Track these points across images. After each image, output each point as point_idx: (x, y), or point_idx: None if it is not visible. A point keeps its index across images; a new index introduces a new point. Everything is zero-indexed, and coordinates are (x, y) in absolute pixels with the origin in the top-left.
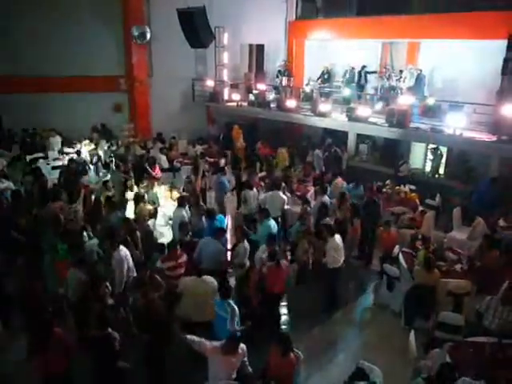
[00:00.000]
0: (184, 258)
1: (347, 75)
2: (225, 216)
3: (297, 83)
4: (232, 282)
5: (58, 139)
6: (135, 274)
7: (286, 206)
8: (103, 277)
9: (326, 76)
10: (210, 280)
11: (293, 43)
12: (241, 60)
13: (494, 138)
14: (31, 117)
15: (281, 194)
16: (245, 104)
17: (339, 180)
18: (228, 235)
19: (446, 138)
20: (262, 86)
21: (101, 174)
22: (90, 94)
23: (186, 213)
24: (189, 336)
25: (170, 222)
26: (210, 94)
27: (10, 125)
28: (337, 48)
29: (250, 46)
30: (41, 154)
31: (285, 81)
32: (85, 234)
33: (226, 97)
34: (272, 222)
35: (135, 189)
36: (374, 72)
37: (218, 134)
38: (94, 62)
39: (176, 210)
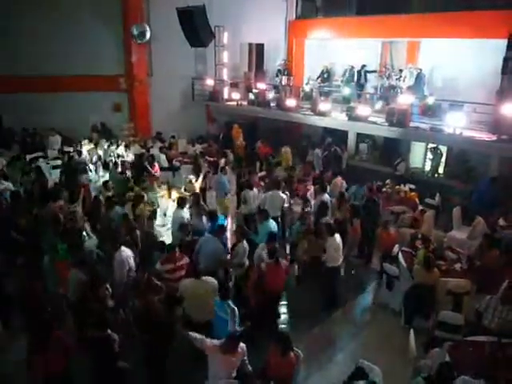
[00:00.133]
0: (184, 260)
1: (347, 74)
2: (226, 217)
3: (296, 82)
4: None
5: (57, 138)
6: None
7: (285, 205)
8: (103, 278)
9: (325, 75)
10: (210, 280)
11: (292, 42)
12: (240, 59)
13: (494, 138)
14: (31, 116)
15: (280, 193)
16: (244, 103)
17: (339, 179)
18: (228, 235)
19: (446, 137)
20: (261, 85)
21: (101, 173)
22: (89, 94)
23: (185, 213)
24: (191, 333)
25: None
26: (209, 93)
27: (9, 124)
28: (336, 47)
29: (250, 45)
30: (40, 154)
31: (284, 80)
32: (84, 233)
33: (225, 96)
34: (272, 223)
35: (135, 188)
36: (374, 71)
37: (218, 133)
38: (93, 61)
39: (175, 211)
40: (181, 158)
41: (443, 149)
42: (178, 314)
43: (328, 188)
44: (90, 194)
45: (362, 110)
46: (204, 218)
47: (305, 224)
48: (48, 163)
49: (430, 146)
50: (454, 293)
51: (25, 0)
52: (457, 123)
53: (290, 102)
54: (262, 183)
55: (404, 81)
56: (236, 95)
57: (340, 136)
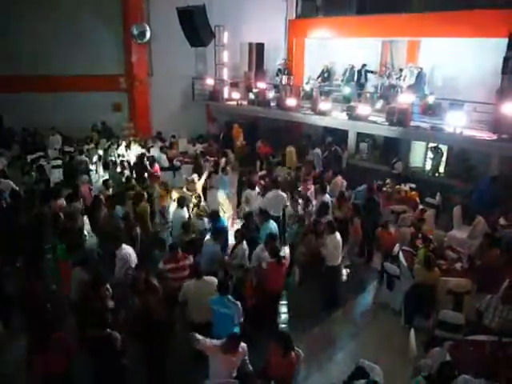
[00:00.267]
0: (187, 260)
1: (347, 74)
2: (228, 217)
3: (297, 82)
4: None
5: (58, 138)
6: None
7: (287, 203)
8: (104, 278)
9: (325, 74)
10: (212, 280)
11: (293, 42)
12: (241, 59)
13: (495, 137)
14: (31, 116)
15: (281, 192)
16: (245, 103)
17: (339, 179)
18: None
19: (447, 136)
20: (261, 85)
21: (101, 172)
22: (90, 94)
23: (185, 213)
24: (193, 336)
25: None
26: (209, 93)
27: (10, 124)
28: (337, 46)
29: (250, 44)
30: (41, 153)
31: (285, 79)
32: (85, 232)
33: (225, 95)
34: (272, 224)
35: (136, 188)
36: (373, 72)
37: (218, 132)
38: (93, 61)
39: (176, 211)
40: (181, 157)
41: (444, 148)
42: (178, 314)
43: (328, 188)
44: (90, 194)
45: (363, 109)
46: (205, 219)
47: (303, 225)
48: (48, 163)
49: (431, 145)
50: (455, 292)
51: (25, 0)
52: (457, 122)
53: (291, 102)
54: (263, 182)
55: (404, 80)
56: (236, 95)
57: (340, 135)
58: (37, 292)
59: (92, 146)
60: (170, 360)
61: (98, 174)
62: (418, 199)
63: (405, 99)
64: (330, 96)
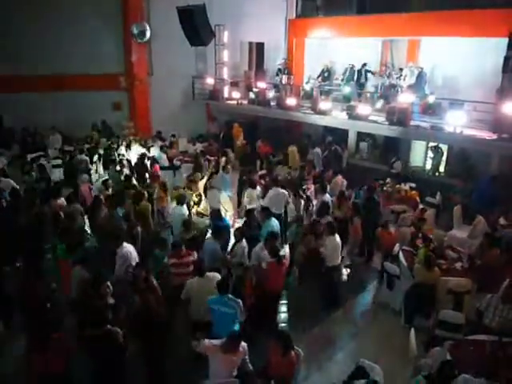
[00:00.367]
0: (191, 257)
1: (347, 73)
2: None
3: (297, 81)
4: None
5: (58, 137)
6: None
7: (289, 200)
8: (104, 275)
9: (326, 74)
10: (214, 276)
11: (293, 41)
12: (241, 58)
13: (495, 136)
14: (31, 116)
15: (282, 190)
16: (245, 102)
17: (339, 178)
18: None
19: (447, 135)
20: (262, 84)
21: (101, 172)
22: (90, 93)
23: (185, 210)
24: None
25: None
26: (210, 92)
27: (10, 124)
28: (337, 46)
29: (250, 44)
30: (41, 153)
31: (285, 79)
32: (88, 231)
33: (226, 95)
34: (274, 222)
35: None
36: (371, 72)
37: (218, 132)
38: (93, 60)
39: (176, 209)
40: (181, 156)
41: (444, 147)
42: (179, 313)
43: (328, 187)
44: (90, 194)
45: (363, 108)
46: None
47: (301, 225)
48: (49, 162)
49: (431, 144)
50: (455, 292)
51: (25, 0)
52: (457, 122)
53: (291, 101)
54: (263, 182)
55: (404, 79)
56: (236, 94)
57: (340, 135)
58: (37, 292)
59: (92, 145)
60: (169, 360)
61: (99, 174)
62: (418, 199)
63: (405, 99)
64: (330, 95)
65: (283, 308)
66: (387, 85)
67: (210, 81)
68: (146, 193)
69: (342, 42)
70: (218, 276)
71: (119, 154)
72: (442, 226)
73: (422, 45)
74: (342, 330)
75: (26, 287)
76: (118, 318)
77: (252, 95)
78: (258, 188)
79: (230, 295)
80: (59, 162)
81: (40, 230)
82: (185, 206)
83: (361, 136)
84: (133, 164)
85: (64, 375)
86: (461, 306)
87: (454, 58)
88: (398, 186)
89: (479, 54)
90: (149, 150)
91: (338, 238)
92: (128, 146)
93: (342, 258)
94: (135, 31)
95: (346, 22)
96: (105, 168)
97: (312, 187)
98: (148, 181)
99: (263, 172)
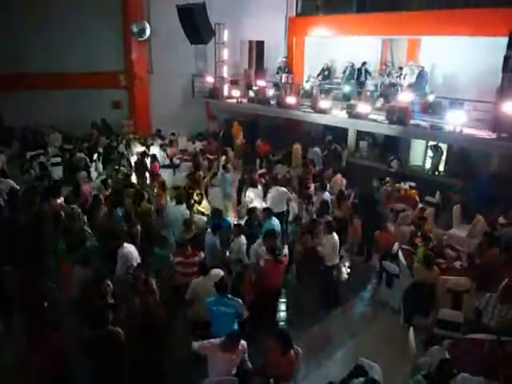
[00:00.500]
0: (196, 258)
1: (347, 72)
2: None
3: (297, 80)
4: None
5: (58, 136)
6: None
7: (291, 197)
8: (104, 275)
9: (326, 73)
10: (218, 274)
11: (293, 40)
12: (241, 56)
13: (494, 136)
14: (31, 114)
15: (282, 188)
16: (245, 101)
17: (338, 177)
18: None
19: (446, 135)
20: (261, 83)
21: (100, 170)
22: (90, 91)
23: (185, 209)
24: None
25: None
26: (209, 91)
27: (10, 122)
28: (337, 45)
29: (250, 42)
30: (41, 151)
31: (284, 77)
32: (88, 230)
33: (225, 93)
34: (275, 221)
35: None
36: (369, 74)
37: (218, 130)
38: (93, 58)
39: (175, 208)
40: (181, 155)
41: (443, 147)
42: (179, 313)
43: (328, 186)
44: (91, 193)
45: (363, 107)
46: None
47: (300, 224)
48: (48, 160)
49: (431, 143)
50: (454, 291)
51: None
52: (457, 121)
53: (290, 100)
54: (263, 181)
55: (405, 78)
56: (236, 93)
57: (340, 133)
58: (35, 291)
59: (92, 143)
60: (169, 360)
61: (98, 172)
62: (417, 198)
63: (405, 98)
64: (330, 94)
65: (283, 307)
66: (387, 84)
67: (209, 79)
68: (145, 193)
69: (342, 40)
70: (221, 273)
71: (118, 152)
72: (441, 225)
73: (422, 44)
74: (341, 328)
75: (25, 287)
76: (119, 318)
77: (252, 94)
78: (259, 187)
79: (229, 295)
80: (59, 160)
81: (40, 229)
82: (184, 205)
83: (360, 135)
84: (132, 163)
85: (64, 375)
86: (460, 305)
87: (454, 58)
88: (397, 185)
89: (479, 54)
90: (148, 148)
91: (336, 236)
92: (128, 145)
93: (341, 257)
94: (135, 29)
95: (346, 20)
96: (104, 167)
97: (312, 186)
98: (148, 180)
99: (263, 171)
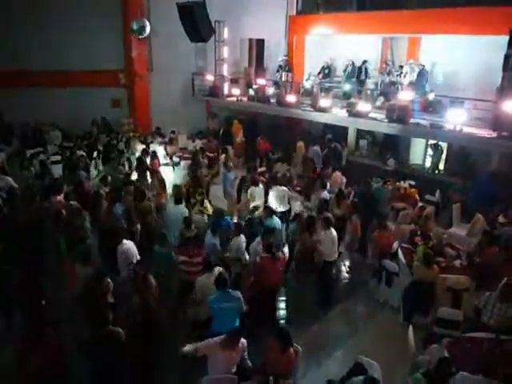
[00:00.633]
0: (200, 257)
1: (348, 70)
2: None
3: (297, 78)
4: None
5: (57, 134)
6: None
7: (293, 195)
8: (105, 273)
9: (326, 71)
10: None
11: (293, 38)
12: (241, 55)
13: (494, 135)
14: (31, 112)
15: (283, 187)
16: (245, 99)
17: (338, 174)
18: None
19: (446, 133)
20: (261, 81)
21: (100, 168)
22: (89, 89)
23: (184, 208)
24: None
25: None
26: (209, 89)
27: (10, 119)
28: (337, 43)
29: (250, 40)
30: (40, 149)
31: (285, 76)
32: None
33: (225, 91)
34: (276, 220)
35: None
36: (367, 73)
37: (218, 128)
38: (93, 56)
39: (175, 208)
40: (181, 153)
41: (443, 145)
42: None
43: (328, 184)
44: (90, 190)
45: (363, 106)
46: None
47: (300, 223)
48: (48, 158)
49: (431, 142)
50: (454, 289)
51: None
52: (457, 120)
53: (291, 98)
54: (263, 179)
55: (405, 77)
56: (236, 91)
57: (340, 132)
58: (36, 291)
59: (91, 141)
60: (169, 359)
61: (98, 169)
62: (417, 196)
63: (405, 96)
64: (331, 92)
65: (282, 305)
66: (387, 82)
67: (209, 77)
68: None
69: (343, 38)
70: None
71: (118, 150)
72: (441, 224)
73: (422, 42)
74: (341, 327)
75: (25, 287)
76: (119, 317)
77: (252, 92)
78: (261, 185)
79: (229, 290)
80: (58, 158)
81: (40, 228)
82: (183, 204)
83: (360, 133)
84: (133, 161)
85: (64, 375)
86: (459, 304)
87: (455, 56)
88: (397, 183)
89: (480, 52)
90: (148, 146)
91: (334, 231)
92: (127, 143)
93: (340, 253)
94: (135, 27)
95: (347, 18)
96: (104, 164)
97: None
98: (149, 178)
99: (263, 169)
